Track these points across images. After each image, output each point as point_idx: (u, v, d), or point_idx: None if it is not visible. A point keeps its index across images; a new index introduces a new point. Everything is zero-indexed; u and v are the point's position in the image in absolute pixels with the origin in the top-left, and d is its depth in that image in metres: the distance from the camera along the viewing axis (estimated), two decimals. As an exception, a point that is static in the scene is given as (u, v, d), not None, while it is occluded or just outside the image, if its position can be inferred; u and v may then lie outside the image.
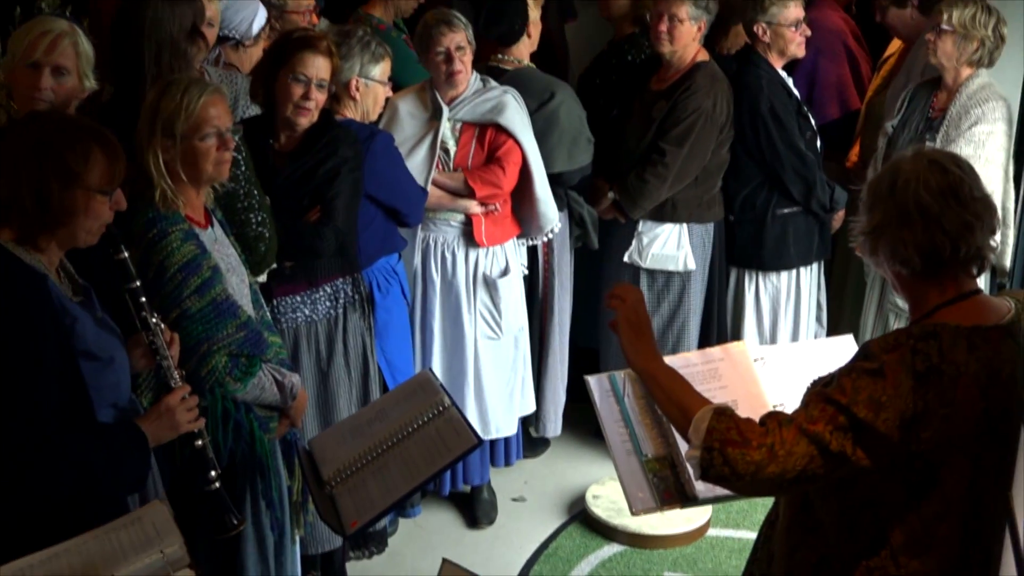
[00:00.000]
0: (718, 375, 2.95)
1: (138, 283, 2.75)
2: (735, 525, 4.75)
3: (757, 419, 2.36)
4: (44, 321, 2.48)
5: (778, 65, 4.93)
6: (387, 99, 4.32)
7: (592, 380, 2.97)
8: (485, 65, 4.79)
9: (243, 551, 3.22)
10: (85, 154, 2.51)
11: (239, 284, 3.17)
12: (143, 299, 2.76)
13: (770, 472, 2.25)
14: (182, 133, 3.00)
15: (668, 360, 2.99)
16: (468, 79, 4.46)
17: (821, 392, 2.27)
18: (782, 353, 3.06)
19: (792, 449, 2.23)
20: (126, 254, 2.73)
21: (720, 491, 2.78)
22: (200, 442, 2.88)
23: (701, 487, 2.77)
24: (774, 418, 2.30)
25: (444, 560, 2.34)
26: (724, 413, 2.31)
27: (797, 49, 4.90)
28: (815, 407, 2.25)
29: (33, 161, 2.49)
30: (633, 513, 2.78)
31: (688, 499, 2.78)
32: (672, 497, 2.79)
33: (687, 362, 3.00)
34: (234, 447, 3.11)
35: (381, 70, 4.11)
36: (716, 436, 2.28)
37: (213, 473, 2.91)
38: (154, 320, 2.79)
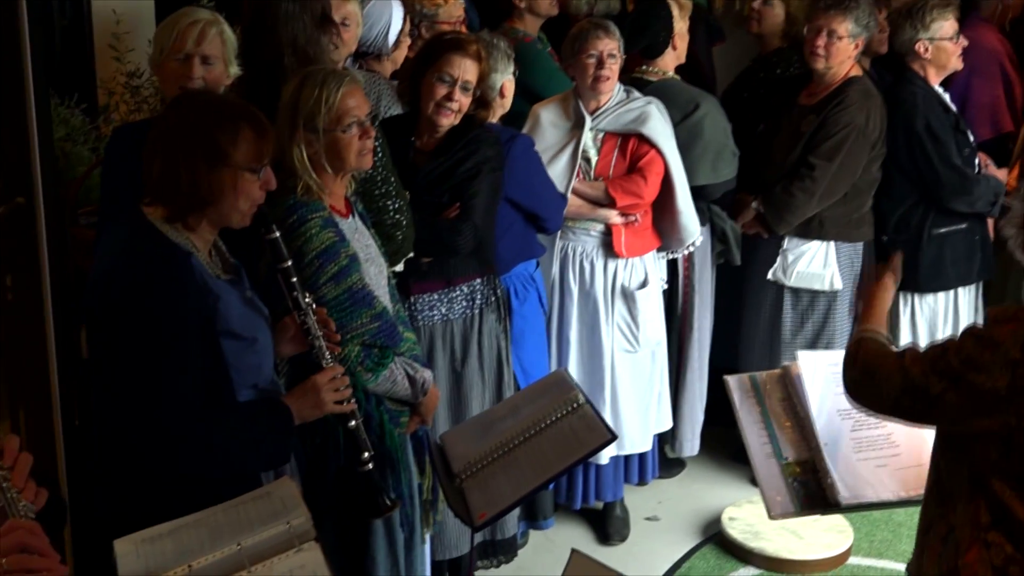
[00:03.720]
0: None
1: (289, 263, 2.76)
2: (878, 554, 4.55)
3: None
4: (186, 298, 2.49)
5: (935, 81, 4.78)
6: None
7: (732, 380, 2.90)
8: (629, 76, 4.75)
9: (373, 546, 3.18)
10: (233, 132, 2.53)
11: (377, 275, 3.16)
12: (294, 279, 2.77)
13: (867, 390, 2.41)
14: (325, 126, 3.00)
15: (812, 354, 2.91)
16: (613, 89, 4.42)
17: (941, 341, 2.32)
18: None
19: (889, 378, 2.32)
20: (277, 234, 2.75)
21: (865, 499, 2.67)
22: (353, 423, 2.89)
23: (845, 494, 2.66)
24: (893, 350, 2.43)
25: (573, 551, 2.27)
26: (862, 337, 2.50)
27: (958, 62, 4.75)
28: (927, 350, 2.30)
29: (183, 140, 2.51)
30: (771, 517, 2.70)
31: (830, 505, 2.68)
32: (813, 503, 2.69)
33: (835, 361, 2.89)
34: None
35: (514, 63, 4.14)
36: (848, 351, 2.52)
37: (366, 455, 2.91)
38: (306, 300, 2.80)
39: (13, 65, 3.14)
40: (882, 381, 2.32)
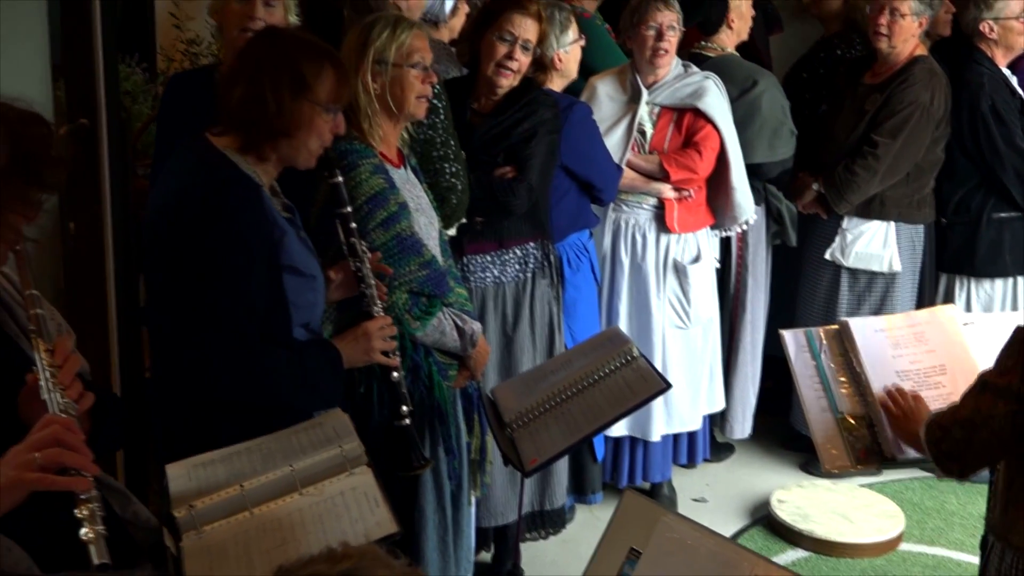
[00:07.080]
0: (924, 339, 2.81)
1: (349, 208, 2.78)
2: (929, 541, 4.48)
3: (966, 382, 2.36)
4: (256, 229, 2.50)
5: (1003, 63, 4.73)
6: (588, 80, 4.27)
7: (788, 335, 2.87)
8: (688, 52, 4.73)
9: (421, 497, 3.18)
10: (318, 68, 2.54)
11: (427, 226, 3.14)
12: (353, 224, 2.78)
13: (982, 438, 2.24)
14: (394, 60, 3.01)
15: (866, 319, 2.86)
16: (671, 63, 4.40)
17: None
18: (993, 319, 2.91)
19: (991, 413, 2.20)
20: (340, 178, 2.76)
21: (921, 454, 2.63)
22: (396, 375, 2.88)
23: (901, 448, 2.63)
24: (970, 392, 2.29)
25: (627, 489, 2.25)
26: (930, 423, 2.43)
27: None
28: (1006, 358, 2.21)
29: (271, 67, 2.52)
30: (825, 470, 2.67)
31: (885, 460, 2.64)
32: (868, 457, 2.66)
33: (891, 324, 2.86)
34: (412, 389, 3.06)
35: (573, 31, 4.12)
36: (930, 442, 2.41)
37: (405, 409, 2.89)
38: (362, 247, 2.80)
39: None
40: (982, 425, 2.22)
